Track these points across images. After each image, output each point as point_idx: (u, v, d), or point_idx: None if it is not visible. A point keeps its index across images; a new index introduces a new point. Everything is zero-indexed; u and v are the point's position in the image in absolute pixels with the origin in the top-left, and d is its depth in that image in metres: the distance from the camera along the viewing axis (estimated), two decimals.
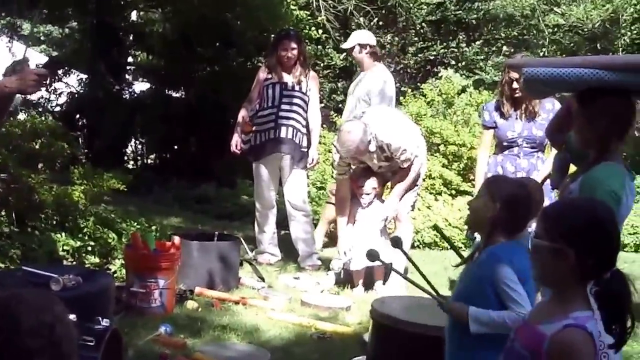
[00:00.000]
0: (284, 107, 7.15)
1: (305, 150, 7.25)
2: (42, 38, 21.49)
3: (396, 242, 3.76)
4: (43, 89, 11.69)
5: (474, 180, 10.06)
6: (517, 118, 5.97)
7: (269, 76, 7.24)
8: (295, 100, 7.18)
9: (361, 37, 7.90)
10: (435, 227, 3.86)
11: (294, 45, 7.16)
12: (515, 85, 5.88)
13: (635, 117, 3.37)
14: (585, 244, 2.29)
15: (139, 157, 14.17)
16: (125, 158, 13.98)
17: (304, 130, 7.23)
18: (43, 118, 7.62)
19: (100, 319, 3.77)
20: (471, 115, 10.94)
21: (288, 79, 7.21)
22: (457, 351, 3.27)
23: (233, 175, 11.23)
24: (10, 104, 4.23)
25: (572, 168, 3.87)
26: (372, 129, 6.27)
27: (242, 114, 7.32)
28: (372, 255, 3.74)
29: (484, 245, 3.24)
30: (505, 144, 6.02)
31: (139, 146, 14.10)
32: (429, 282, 3.50)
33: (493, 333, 3.08)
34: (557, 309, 2.34)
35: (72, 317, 3.70)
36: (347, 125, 6.36)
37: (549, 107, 5.97)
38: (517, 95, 5.92)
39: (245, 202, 10.28)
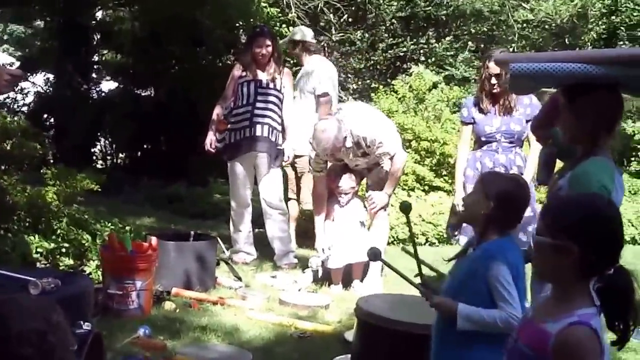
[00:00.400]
0: (259, 105, 7.09)
1: (281, 148, 7.20)
2: (4, 37, 21.26)
3: (374, 255, 3.70)
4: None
5: (446, 175, 10.16)
6: (495, 113, 5.96)
7: (244, 74, 7.18)
8: (271, 98, 7.13)
9: (294, 35, 7.92)
10: (404, 250, 3.75)
11: (268, 42, 7.10)
12: (494, 80, 5.87)
13: (622, 111, 3.37)
14: (589, 240, 2.26)
15: (108, 157, 14.04)
16: (94, 158, 13.85)
17: (279, 127, 7.18)
18: (14, 118, 7.47)
19: (82, 322, 3.70)
20: (443, 111, 10.97)
21: (263, 76, 7.15)
22: (442, 349, 3.25)
23: (205, 173, 11.16)
24: None
25: (559, 164, 3.87)
26: (347, 125, 6.24)
27: (217, 112, 7.26)
28: (375, 254, 3.69)
29: (477, 242, 3.21)
30: (483, 139, 6.01)
31: (108, 145, 13.96)
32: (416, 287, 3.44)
33: (478, 331, 3.07)
34: (561, 306, 2.31)
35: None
36: (321, 124, 6.31)
37: (526, 102, 5.98)
38: (495, 90, 5.91)
39: (218, 200, 10.21)
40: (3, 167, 6.59)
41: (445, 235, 8.99)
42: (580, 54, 3.38)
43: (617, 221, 2.35)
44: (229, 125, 7.19)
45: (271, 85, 7.14)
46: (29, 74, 13.10)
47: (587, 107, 3.26)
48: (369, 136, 6.25)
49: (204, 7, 11.36)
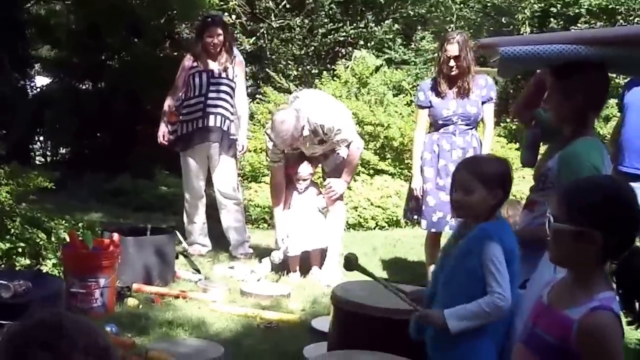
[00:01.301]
0: (211, 95, 7.03)
1: (234, 137, 7.15)
2: None
3: (349, 263, 3.64)
4: None
5: (390, 159, 10.22)
6: (453, 97, 6.01)
7: (195, 64, 7.10)
8: (223, 88, 7.07)
9: None
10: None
11: (219, 31, 7.02)
12: (452, 63, 5.93)
13: (608, 90, 3.42)
14: (611, 225, 2.27)
15: (48, 153, 13.77)
16: (32, 154, 13.58)
17: (232, 117, 7.12)
18: None
19: None
20: (385, 95, 11.00)
21: (214, 66, 7.08)
22: (438, 346, 3.27)
23: (149, 165, 11.01)
24: None
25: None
26: (304, 113, 6.22)
27: (168, 103, 7.17)
28: (349, 261, 3.64)
29: (474, 223, 3.21)
30: (440, 122, 6.06)
31: (48, 141, 13.70)
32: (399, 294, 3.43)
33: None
34: (580, 291, 2.32)
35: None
36: (279, 115, 6.26)
37: (481, 83, 6.05)
38: (454, 72, 5.96)
39: (164, 192, 10.12)
40: None
41: (394, 218, 9.09)
42: (566, 35, 3.41)
43: (636, 202, 2.35)
44: (180, 117, 7.12)
45: (223, 75, 7.07)
46: None
47: (576, 86, 3.28)
48: (326, 124, 6.25)
49: None
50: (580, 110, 3.31)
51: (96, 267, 5.31)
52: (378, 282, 3.53)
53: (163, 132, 7.17)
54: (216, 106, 7.03)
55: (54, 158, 13.72)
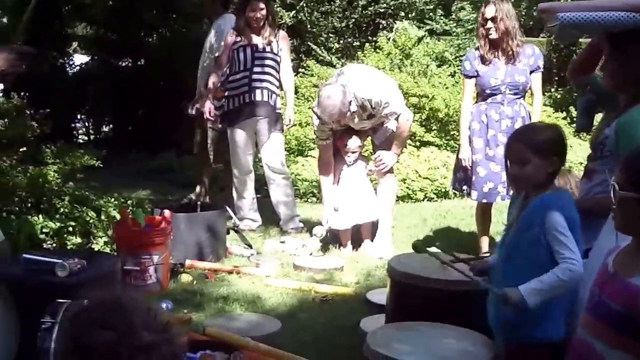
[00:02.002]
0: (256, 69, 6.99)
1: (280, 112, 7.13)
2: None
3: (417, 247, 3.68)
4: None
5: (436, 130, 10.13)
6: (500, 64, 5.91)
7: (238, 39, 7.05)
8: (268, 62, 7.02)
9: None
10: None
11: (262, 5, 6.96)
12: (489, 24, 5.84)
13: None
14: None
15: (91, 131, 13.86)
16: (75, 133, 13.68)
17: (277, 91, 7.10)
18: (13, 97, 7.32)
19: None
20: (429, 66, 10.90)
21: (258, 40, 7.02)
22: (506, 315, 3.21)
23: (192, 141, 11.00)
24: None
25: None
26: (351, 89, 6.13)
27: (213, 79, 7.14)
28: (417, 247, 3.66)
29: (534, 193, 3.15)
30: (488, 92, 5.96)
31: (90, 120, 13.78)
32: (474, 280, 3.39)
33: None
34: None
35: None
36: (325, 90, 6.18)
37: (529, 52, 5.95)
38: (492, 35, 5.87)
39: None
40: (3, 148, 6.45)
41: (443, 190, 9.01)
42: (626, 1, 3.31)
43: None
44: (226, 93, 7.10)
45: (267, 49, 7.02)
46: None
47: (633, 54, 3.21)
48: (374, 97, 6.16)
49: None
50: (637, 78, 3.23)
51: (149, 244, 5.33)
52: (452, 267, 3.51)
53: (209, 108, 7.14)
54: (262, 80, 6.99)
55: (97, 136, 13.80)
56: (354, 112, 6.19)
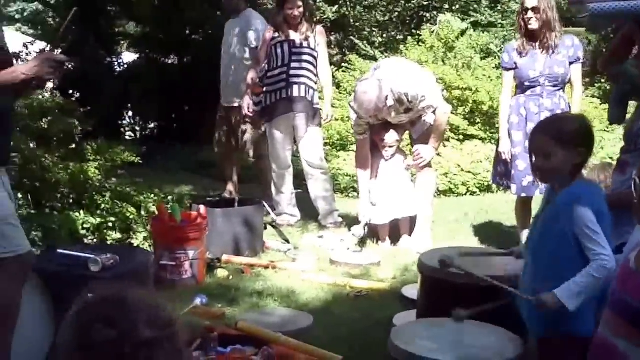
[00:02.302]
0: (294, 65, 7.01)
1: (318, 107, 7.15)
2: (16, 16, 21.18)
3: (444, 264, 3.62)
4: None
5: (479, 123, 10.05)
6: (538, 56, 5.83)
7: (276, 35, 7.08)
8: (305, 57, 7.05)
9: None
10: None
11: (299, 2, 6.99)
12: (530, 14, 5.77)
13: None
14: None
15: (137, 128, 14.01)
16: (122, 130, 13.83)
17: (315, 87, 7.11)
18: (49, 95, 7.43)
19: None
20: (472, 58, 10.80)
21: (295, 36, 7.05)
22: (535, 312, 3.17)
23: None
24: (30, 91, 4.08)
25: None
26: (387, 83, 6.10)
27: (251, 75, 7.19)
28: (445, 263, 3.61)
29: (561, 186, 3.10)
30: (527, 84, 5.90)
31: (136, 117, 13.92)
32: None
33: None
34: None
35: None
36: (361, 86, 6.17)
37: (568, 43, 5.87)
38: (532, 26, 5.80)
39: (251, 163, 10.14)
40: (43, 146, 6.54)
41: (486, 184, 8.93)
42: None
43: None
44: (264, 88, 7.12)
45: (305, 45, 7.05)
46: (48, 50, 13.00)
47: None
48: (410, 91, 6.12)
49: None
50: None
51: (184, 239, 5.36)
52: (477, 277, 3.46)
53: (248, 104, 7.18)
54: (299, 76, 7.01)
55: (143, 133, 13.94)
56: (390, 106, 6.15)
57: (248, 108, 7.18)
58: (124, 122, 13.98)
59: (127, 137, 13.47)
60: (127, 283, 1.73)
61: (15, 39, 13.41)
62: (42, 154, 6.30)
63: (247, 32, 7.55)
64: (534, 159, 3.14)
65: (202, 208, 5.68)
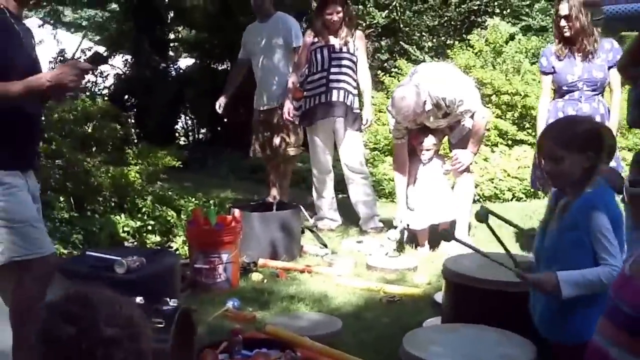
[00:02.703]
0: (333, 70, 7.05)
1: (358, 111, 7.16)
2: (83, 24, 21.66)
3: (446, 236, 3.61)
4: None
5: (529, 128, 9.93)
6: (574, 59, 5.77)
7: (316, 40, 7.12)
8: (344, 62, 7.08)
9: None
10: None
11: (338, 8, 7.02)
12: (563, 22, 5.72)
13: None
14: None
15: (190, 133, 14.18)
16: (177, 134, 14.01)
17: (355, 91, 7.13)
18: (98, 100, 7.59)
19: (168, 299, 3.72)
20: (522, 63, 10.69)
21: (335, 41, 7.09)
22: (548, 314, 3.16)
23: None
24: (62, 99, 4.18)
25: None
26: (425, 88, 6.09)
27: (292, 80, 7.21)
28: (447, 235, 3.61)
29: (574, 191, 3.07)
30: (565, 88, 5.85)
31: (189, 122, 14.09)
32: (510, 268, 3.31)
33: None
34: None
35: (139, 299, 3.70)
36: (399, 91, 6.16)
37: (607, 47, 5.80)
38: (567, 33, 5.74)
39: (299, 168, 10.19)
40: (86, 150, 6.68)
41: (532, 189, 8.82)
42: None
43: None
44: (304, 93, 7.16)
45: (344, 50, 7.08)
46: (106, 55, 13.26)
47: None
48: (448, 96, 6.10)
49: None
50: None
51: (218, 243, 5.40)
52: (480, 253, 3.44)
53: (288, 108, 7.21)
54: (339, 81, 7.05)
55: (196, 137, 14.09)
56: (428, 110, 6.14)
57: (288, 112, 7.21)
58: (178, 126, 14.16)
59: (182, 142, 13.67)
60: (94, 284, 1.78)
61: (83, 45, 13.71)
62: (84, 157, 6.43)
63: (287, 34, 7.50)
64: (543, 163, 3.12)
65: (237, 212, 5.73)
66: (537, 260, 3.24)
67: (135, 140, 10.78)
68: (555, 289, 2.95)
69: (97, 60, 3.94)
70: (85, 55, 12.51)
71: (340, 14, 7.02)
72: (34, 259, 3.55)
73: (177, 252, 6.12)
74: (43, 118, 6.26)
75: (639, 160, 2.28)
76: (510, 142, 9.86)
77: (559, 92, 5.92)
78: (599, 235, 2.95)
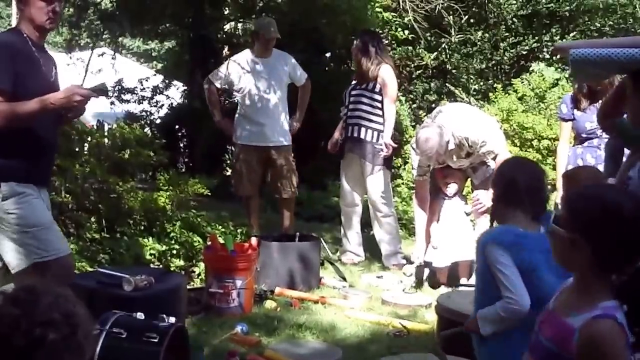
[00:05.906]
0: (359, 106, 7.24)
1: (381, 147, 7.18)
2: (153, 54, 22.31)
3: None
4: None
5: None
6: (594, 107, 5.82)
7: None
8: (365, 100, 7.24)
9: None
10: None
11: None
12: None
13: None
14: (601, 236, 2.18)
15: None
16: (224, 165, 14.23)
17: (381, 128, 7.19)
18: (135, 127, 7.85)
19: (165, 316, 3.90)
20: None
21: (360, 77, 7.31)
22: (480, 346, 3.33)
23: (324, 177, 11.27)
24: (67, 121, 4.44)
25: None
26: (448, 128, 6.18)
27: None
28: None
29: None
30: (584, 135, 5.91)
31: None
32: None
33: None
34: (583, 298, 2.24)
35: (140, 315, 3.88)
36: (423, 132, 6.23)
37: None
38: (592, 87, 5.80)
39: (335, 203, 10.31)
40: (120, 174, 6.92)
41: None
42: (636, 40, 3.23)
43: (636, 221, 2.20)
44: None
45: (370, 86, 7.22)
46: (162, 87, 13.63)
47: None
48: (471, 136, 6.19)
49: (323, 15, 11.48)
50: None
51: (233, 268, 5.56)
52: None
53: (335, 140, 7.51)
54: (360, 117, 7.23)
55: None
56: (451, 150, 6.24)
57: (335, 144, 7.50)
58: (226, 156, 14.38)
59: (229, 172, 13.87)
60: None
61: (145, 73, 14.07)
62: (116, 180, 6.67)
63: (291, 70, 7.90)
64: None
65: (254, 240, 5.89)
66: None
67: (183, 170, 11.07)
68: (478, 328, 3.11)
69: (100, 91, 4.15)
70: (142, 86, 12.99)
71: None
72: (52, 260, 3.84)
73: (199, 276, 6.31)
74: (77, 138, 6.57)
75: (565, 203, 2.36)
76: (549, 187, 9.84)
77: (579, 138, 5.99)
78: (493, 269, 3.17)
